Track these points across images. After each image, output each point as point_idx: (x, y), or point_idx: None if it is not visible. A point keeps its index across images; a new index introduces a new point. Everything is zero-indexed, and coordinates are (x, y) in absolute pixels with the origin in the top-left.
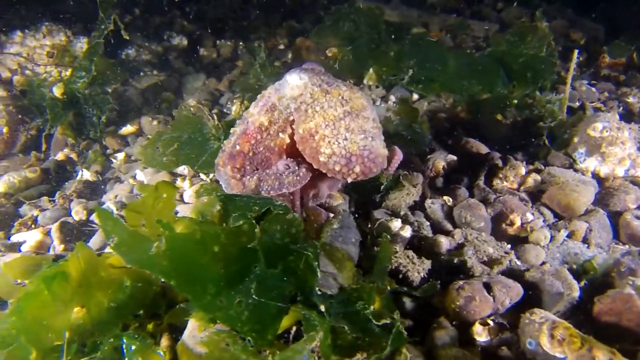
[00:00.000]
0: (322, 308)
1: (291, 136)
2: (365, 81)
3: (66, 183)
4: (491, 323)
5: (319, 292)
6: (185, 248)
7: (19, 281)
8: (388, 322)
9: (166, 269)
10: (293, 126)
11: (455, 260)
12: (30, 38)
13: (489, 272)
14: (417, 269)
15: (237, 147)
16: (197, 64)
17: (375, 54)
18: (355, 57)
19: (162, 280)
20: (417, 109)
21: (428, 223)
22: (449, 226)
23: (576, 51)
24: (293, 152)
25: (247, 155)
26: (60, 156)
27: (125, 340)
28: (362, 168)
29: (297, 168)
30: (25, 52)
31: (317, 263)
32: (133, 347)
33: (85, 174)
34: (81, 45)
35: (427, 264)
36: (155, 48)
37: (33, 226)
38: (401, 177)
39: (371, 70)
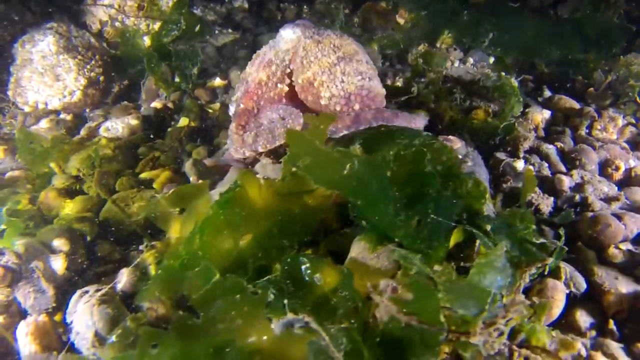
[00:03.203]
0: (488, 228)
1: (289, 85)
2: (438, 44)
3: (167, 130)
4: (624, 247)
5: (485, 214)
6: (369, 171)
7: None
8: (545, 241)
9: (355, 189)
10: (292, 77)
11: (577, 197)
12: None
13: (607, 207)
14: (546, 202)
15: (242, 106)
16: (265, 25)
17: (452, 18)
18: (430, 22)
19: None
20: (513, 67)
21: (547, 164)
22: (564, 168)
23: None
24: (292, 100)
25: (251, 112)
26: (157, 104)
27: (303, 259)
28: (362, 106)
29: (288, 119)
30: (116, 4)
31: (485, 186)
32: (311, 265)
33: (187, 121)
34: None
35: (551, 199)
36: (219, 9)
37: (152, 165)
38: (516, 124)
39: (445, 34)
